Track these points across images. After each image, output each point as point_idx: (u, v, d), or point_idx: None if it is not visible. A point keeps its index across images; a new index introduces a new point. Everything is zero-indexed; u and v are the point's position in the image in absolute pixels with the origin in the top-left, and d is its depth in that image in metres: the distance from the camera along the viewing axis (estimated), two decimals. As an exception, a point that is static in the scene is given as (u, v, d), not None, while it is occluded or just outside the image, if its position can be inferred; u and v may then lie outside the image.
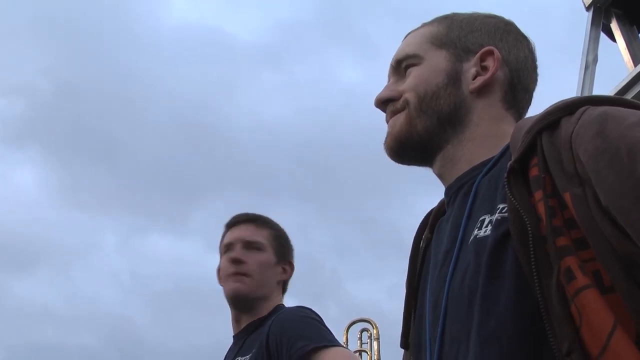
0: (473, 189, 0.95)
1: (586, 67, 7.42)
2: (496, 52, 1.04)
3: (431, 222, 1.08)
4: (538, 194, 0.80)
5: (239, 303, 2.01)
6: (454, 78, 1.04)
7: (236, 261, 2.00)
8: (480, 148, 1.00)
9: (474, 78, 1.03)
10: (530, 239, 0.77)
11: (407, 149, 1.06)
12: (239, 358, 1.91)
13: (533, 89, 1.09)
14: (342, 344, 1.95)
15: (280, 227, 2.14)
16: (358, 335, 6.40)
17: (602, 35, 7.77)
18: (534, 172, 0.82)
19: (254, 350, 1.85)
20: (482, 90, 1.03)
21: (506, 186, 0.83)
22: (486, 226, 0.87)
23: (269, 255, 2.05)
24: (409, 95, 1.05)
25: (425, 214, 1.13)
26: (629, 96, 6.24)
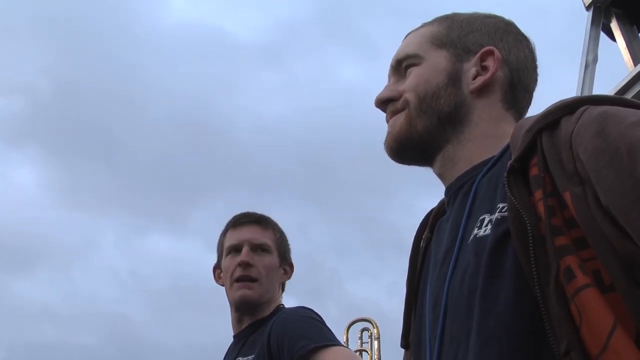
0: (473, 189, 0.95)
1: (586, 67, 7.42)
2: (496, 52, 1.04)
3: (431, 222, 1.08)
4: (538, 194, 0.80)
5: (246, 308, 2.01)
6: (454, 78, 1.04)
7: (245, 265, 1.99)
8: (480, 148, 1.01)
9: (474, 78, 1.03)
10: (530, 238, 0.77)
11: (407, 148, 1.06)
12: (240, 358, 1.92)
13: (533, 89, 1.09)
14: (343, 343, 1.95)
15: (280, 228, 2.14)
16: (358, 335, 6.40)
17: (602, 35, 7.76)
18: (534, 171, 0.82)
19: (255, 351, 1.85)
20: (482, 90, 1.03)
21: (506, 185, 0.83)
22: (486, 225, 0.87)
23: (274, 258, 2.05)
24: (409, 96, 1.05)
25: (425, 214, 1.13)
26: (628, 96, 6.23)
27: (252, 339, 1.94)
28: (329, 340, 1.81)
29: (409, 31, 1.13)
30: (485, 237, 0.86)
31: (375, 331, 6.34)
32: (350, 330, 6.41)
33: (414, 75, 1.06)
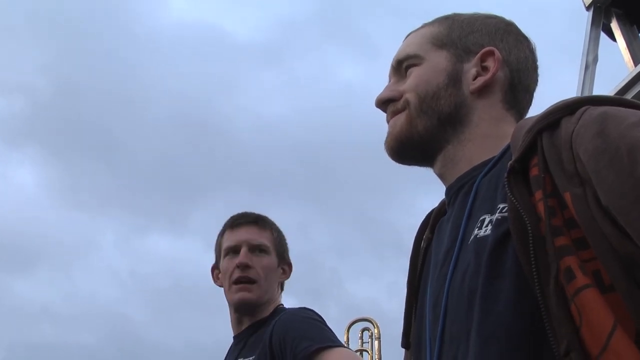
0: (473, 189, 0.95)
1: (586, 67, 7.42)
2: (496, 52, 1.04)
3: (432, 222, 1.08)
4: (538, 194, 0.80)
5: (245, 310, 2.00)
6: (455, 78, 1.04)
7: (244, 266, 1.99)
8: (480, 148, 1.01)
9: (475, 78, 1.03)
10: (530, 238, 0.77)
11: (407, 149, 1.06)
12: (242, 359, 1.92)
13: (534, 89, 1.09)
14: (343, 343, 1.95)
15: (278, 227, 2.14)
16: (359, 335, 6.41)
17: (602, 35, 7.76)
18: (534, 171, 0.82)
19: (257, 351, 1.85)
20: (482, 91, 1.03)
21: (506, 186, 0.83)
22: (486, 226, 0.87)
23: (272, 258, 2.05)
24: (410, 96, 1.05)
25: (425, 214, 1.13)
26: (629, 96, 6.24)
27: (252, 339, 1.94)
28: (332, 341, 1.81)
29: (410, 31, 1.13)
30: (485, 237, 0.86)
31: (376, 331, 6.34)
32: (350, 330, 6.41)
33: (414, 75, 1.06)
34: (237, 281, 1.98)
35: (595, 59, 7.51)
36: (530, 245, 0.77)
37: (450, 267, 0.91)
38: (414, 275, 1.07)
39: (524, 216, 0.79)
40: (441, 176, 1.06)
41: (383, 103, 1.09)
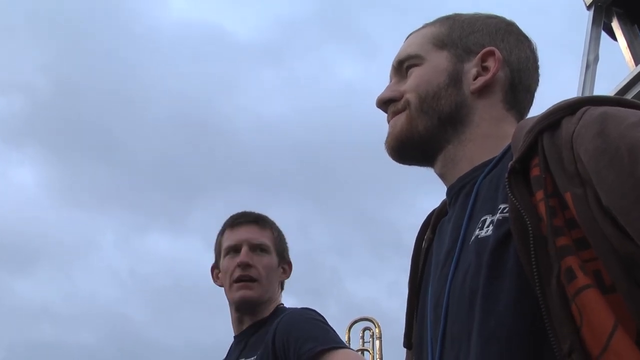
0: (474, 190, 0.95)
1: (587, 67, 7.41)
2: (497, 52, 1.04)
3: (433, 223, 1.08)
4: (539, 194, 0.80)
5: (246, 309, 2.00)
6: (455, 78, 1.04)
7: (245, 265, 1.99)
8: (481, 148, 1.01)
9: (475, 78, 1.04)
10: (531, 239, 0.77)
11: (408, 148, 1.06)
12: (243, 359, 1.92)
13: (534, 89, 1.09)
14: (345, 343, 1.95)
15: (277, 226, 2.14)
16: (360, 334, 6.40)
17: (603, 34, 7.75)
18: (535, 172, 0.82)
19: (259, 351, 1.86)
20: (483, 91, 1.03)
21: (507, 186, 0.83)
22: (487, 226, 0.87)
23: (273, 258, 2.05)
24: (410, 96, 1.05)
25: (427, 214, 1.13)
26: (629, 95, 6.23)
27: (253, 339, 1.94)
28: (335, 342, 1.81)
29: (411, 32, 1.13)
30: (486, 237, 0.86)
31: (377, 331, 6.34)
32: (351, 329, 6.41)
33: (415, 75, 1.06)
34: (238, 280, 1.98)
35: (596, 59, 7.50)
36: (531, 245, 0.77)
37: (452, 268, 0.91)
38: (415, 275, 1.08)
39: (525, 216, 0.79)
40: (442, 176, 1.06)
41: (384, 103, 1.09)
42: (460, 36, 1.07)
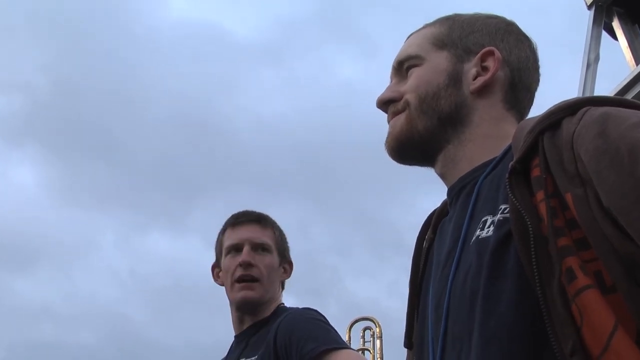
0: (475, 190, 0.95)
1: (588, 66, 7.40)
2: (497, 52, 1.04)
3: (434, 223, 1.08)
4: (539, 195, 0.80)
5: (248, 309, 2.00)
6: (455, 78, 1.04)
7: (246, 265, 1.98)
8: (481, 148, 1.01)
9: (475, 78, 1.04)
10: (532, 239, 0.77)
11: (407, 148, 1.06)
12: (244, 359, 1.92)
13: (535, 89, 1.10)
14: (346, 343, 1.95)
15: (279, 226, 2.14)
16: (361, 334, 6.40)
17: (604, 34, 7.75)
18: (536, 172, 0.82)
19: (260, 351, 1.86)
20: (482, 91, 1.03)
21: (508, 187, 0.84)
22: (488, 227, 0.87)
23: (274, 257, 2.05)
24: (410, 96, 1.05)
25: (427, 214, 1.13)
26: (630, 95, 6.23)
27: (254, 339, 1.94)
28: (337, 342, 1.81)
29: (411, 32, 1.13)
30: (487, 238, 0.86)
31: (378, 330, 6.34)
32: (352, 329, 6.41)
33: (415, 76, 1.06)
34: (240, 279, 1.98)
35: (597, 58, 7.50)
36: (532, 245, 0.77)
37: (452, 268, 0.91)
38: (416, 275, 1.08)
39: (525, 217, 0.79)
40: (442, 176, 1.06)
41: (384, 104, 1.10)
42: (460, 36, 1.07)
